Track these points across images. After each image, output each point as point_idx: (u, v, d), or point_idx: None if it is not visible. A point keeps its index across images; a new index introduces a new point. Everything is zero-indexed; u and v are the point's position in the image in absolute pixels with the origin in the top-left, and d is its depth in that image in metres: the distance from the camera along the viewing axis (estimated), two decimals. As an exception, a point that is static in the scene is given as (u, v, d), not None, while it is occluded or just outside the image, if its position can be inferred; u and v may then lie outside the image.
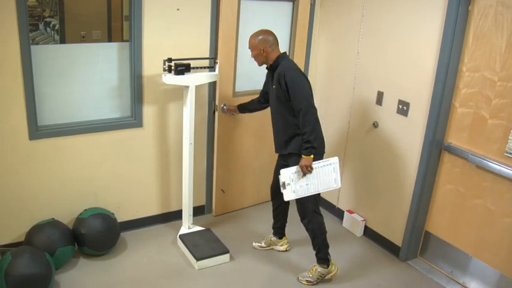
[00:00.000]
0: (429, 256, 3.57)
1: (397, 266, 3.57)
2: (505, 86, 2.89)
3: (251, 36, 3.13)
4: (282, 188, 3.06)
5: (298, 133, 3.06)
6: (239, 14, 3.67)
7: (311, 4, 4.05)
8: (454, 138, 3.27)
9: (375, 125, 3.70)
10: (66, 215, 3.41)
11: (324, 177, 3.08)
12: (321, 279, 3.28)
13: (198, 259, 3.34)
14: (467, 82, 3.13)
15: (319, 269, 3.27)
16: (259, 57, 3.12)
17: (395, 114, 3.51)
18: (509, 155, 2.91)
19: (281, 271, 3.41)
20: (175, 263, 3.42)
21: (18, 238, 3.28)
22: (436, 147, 3.31)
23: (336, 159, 3.09)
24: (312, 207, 3.18)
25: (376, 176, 3.77)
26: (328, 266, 3.28)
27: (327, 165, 3.08)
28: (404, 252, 3.60)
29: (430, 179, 3.40)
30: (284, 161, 3.23)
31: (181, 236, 3.60)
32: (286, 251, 3.61)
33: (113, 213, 3.48)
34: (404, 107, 3.43)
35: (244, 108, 3.63)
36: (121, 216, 3.64)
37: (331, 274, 3.30)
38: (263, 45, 3.07)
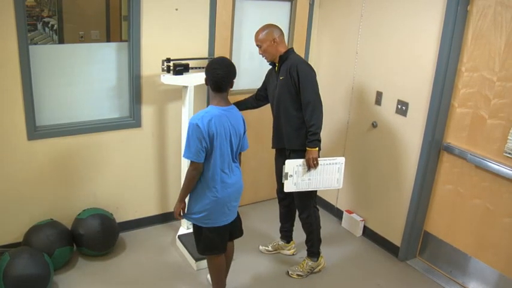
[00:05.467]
0: (428, 256, 3.57)
1: (396, 266, 3.57)
2: (504, 86, 2.89)
3: (257, 31, 3.08)
4: (283, 178, 3.06)
5: (301, 128, 3.04)
6: (234, 14, 3.69)
7: (310, 4, 4.06)
8: (453, 138, 3.27)
9: (374, 125, 3.70)
10: (65, 216, 3.40)
11: (327, 175, 3.10)
12: (311, 272, 3.34)
13: (196, 259, 3.33)
14: (466, 82, 3.12)
15: (310, 262, 3.34)
16: (270, 49, 3.05)
17: (395, 114, 3.51)
18: (509, 155, 2.91)
19: (281, 271, 3.41)
20: (174, 263, 3.42)
21: (16, 239, 3.27)
22: (435, 147, 3.31)
23: (342, 160, 3.10)
24: (312, 202, 3.22)
25: (375, 176, 3.77)
26: (317, 259, 3.34)
27: (333, 163, 3.09)
28: (404, 252, 3.60)
29: (429, 179, 3.40)
30: (285, 158, 3.17)
31: (180, 236, 3.59)
32: (293, 255, 3.59)
33: (111, 214, 3.47)
34: (404, 107, 3.42)
35: (239, 104, 3.50)
36: (120, 217, 3.63)
37: (320, 267, 3.37)
38: (272, 36, 3.03)
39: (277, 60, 3.10)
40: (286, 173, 3.03)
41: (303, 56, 4.16)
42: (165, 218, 3.91)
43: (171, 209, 3.85)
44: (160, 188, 3.81)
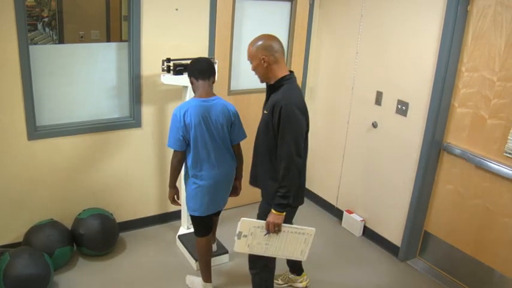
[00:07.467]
0: (428, 256, 3.57)
1: (396, 266, 3.57)
2: (504, 86, 2.89)
3: (250, 43, 2.48)
4: (236, 237, 2.55)
5: (276, 179, 2.49)
6: (234, 13, 3.69)
7: (310, 4, 4.06)
8: (453, 138, 3.27)
9: (374, 125, 3.70)
10: (65, 216, 3.40)
11: (290, 244, 2.58)
12: None
13: (197, 259, 3.33)
14: (466, 82, 3.13)
15: None
16: (259, 69, 2.46)
17: (395, 114, 3.51)
18: (509, 155, 2.91)
19: (280, 270, 3.41)
20: (174, 263, 3.42)
21: (17, 238, 3.27)
22: (435, 147, 3.31)
23: (312, 231, 2.56)
24: (264, 261, 2.71)
25: (375, 176, 3.77)
26: None
27: (300, 233, 2.55)
28: (404, 252, 3.60)
29: (429, 179, 3.40)
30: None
31: (180, 237, 3.60)
32: (307, 287, 3.22)
33: (111, 214, 3.47)
34: (404, 107, 3.43)
35: None
36: (120, 217, 3.64)
37: None
38: (263, 53, 2.41)
39: (271, 82, 2.50)
40: (240, 232, 2.53)
41: (302, 57, 4.17)
42: (165, 218, 3.91)
43: (171, 209, 3.89)
44: (160, 188, 3.81)
